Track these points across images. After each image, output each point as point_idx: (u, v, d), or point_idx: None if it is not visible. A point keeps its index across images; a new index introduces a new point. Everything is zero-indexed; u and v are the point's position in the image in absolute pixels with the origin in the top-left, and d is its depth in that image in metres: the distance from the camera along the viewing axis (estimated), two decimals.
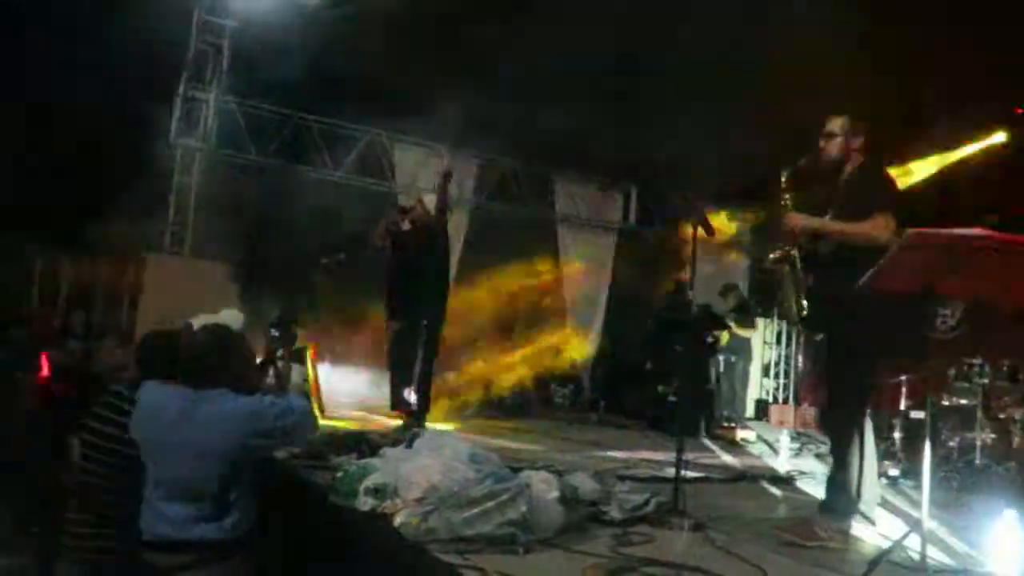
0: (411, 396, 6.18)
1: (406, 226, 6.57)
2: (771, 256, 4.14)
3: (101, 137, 9.48)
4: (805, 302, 4.00)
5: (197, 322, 3.41)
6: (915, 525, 3.28)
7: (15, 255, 11.67)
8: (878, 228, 3.73)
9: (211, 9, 9.18)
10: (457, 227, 10.53)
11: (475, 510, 3.08)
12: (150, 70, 8.89)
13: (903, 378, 6.74)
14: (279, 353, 5.25)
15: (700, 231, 4.19)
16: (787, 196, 4.10)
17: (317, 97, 9.62)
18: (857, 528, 3.85)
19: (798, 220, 4.04)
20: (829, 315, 3.96)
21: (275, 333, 5.28)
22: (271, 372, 5.11)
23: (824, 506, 3.81)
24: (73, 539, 3.47)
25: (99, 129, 9.36)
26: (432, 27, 8.22)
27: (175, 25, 8.93)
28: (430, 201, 6.53)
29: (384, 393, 7.05)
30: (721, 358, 9.37)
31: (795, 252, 4.04)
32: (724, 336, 9.34)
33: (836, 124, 4.04)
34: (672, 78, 7.97)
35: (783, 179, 4.12)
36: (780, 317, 4.07)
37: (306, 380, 6.82)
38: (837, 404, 3.91)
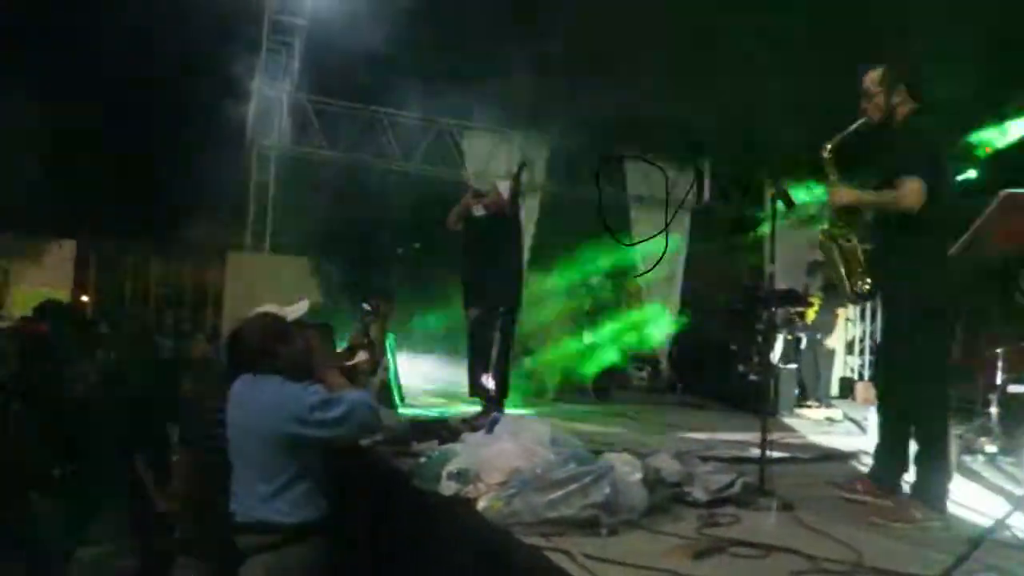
0: (489, 382, 6.20)
1: (480, 211, 6.57)
2: (821, 234, 3.95)
3: (180, 141, 9.84)
4: (858, 276, 3.80)
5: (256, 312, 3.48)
6: (1018, 502, 3.14)
7: (109, 258, 12.24)
8: (904, 195, 3.52)
9: (281, 9, 9.36)
10: (528, 212, 10.55)
11: (558, 493, 3.07)
12: (225, 72, 9.15)
13: (999, 350, 6.44)
14: (370, 329, 5.33)
15: (779, 205, 4.07)
16: (831, 170, 3.85)
17: (386, 89, 9.74)
18: (952, 507, 3.71)
19: (840, 195, 3.82)
20: (894, 283, 3.76)
21: (367, 308, 5.37)
22: (360, 355, 5.20)
23: (917, 486, 3.64)
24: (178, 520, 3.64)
25: (178, 133, 9.72)
26: (497, 11, 8.20)
27: (246, 27, 9.15)
28: (504, 187, 6.53)
29: (462, 379, 7.11)
30: (805, 336, 9.11)
31: (841, 227, 3.85)
32: (809, 314, 9.07)
33: (870, 79, 3.76)
34: (748, 50, 7.76)
35: (826, 153, 3.85)
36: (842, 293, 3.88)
37: (386, 369, 6.94)
38: (921, 378, 3.66)
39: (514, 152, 10.78)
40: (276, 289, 9.29)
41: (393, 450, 4.39)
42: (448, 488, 3.44)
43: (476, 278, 6.47)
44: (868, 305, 11.63)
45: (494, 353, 6.05)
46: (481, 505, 3.20)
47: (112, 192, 10.33)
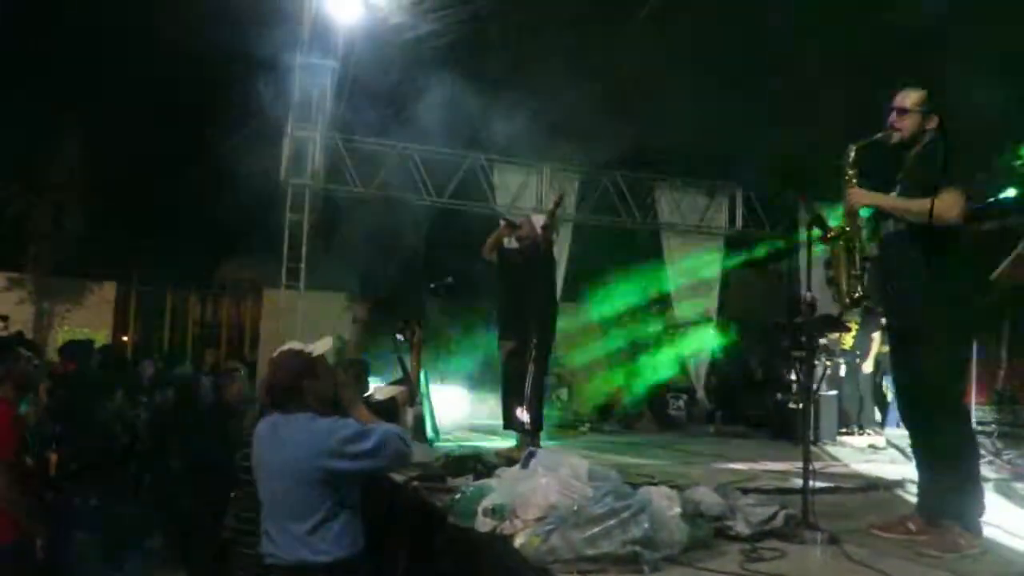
0: (524, 415, 6.17)
1: (513, 244, 6.60)
2: (834, 230, 3.83)
3: (217, 183, 10.05)
4: (859, 285, 3.71)
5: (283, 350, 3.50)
6: None
7: (148, 298, 12.47)
8: (944, 205, 3.43)
9: (312, 52, 9.54)
10: (561, 243, 10.57)
11: (596, 529, 3.02)
12: (259, 115, 9.35)
13: None
14: (407, 358, 5.34)
15: (815, 231, 4.01)
16: (851, 172, 3.79)
17: (415, 126, 9.85)
18: (1002, 535, 3.59)
19: (860, 196, 3.75)
20: (906, 305, 3.69)
21: (400, 339, 5.38)
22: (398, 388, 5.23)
23: (955, 512, 3.50)
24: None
25: (214, 175, 9.93)
26: (522, 46, 8.29)
27: (279, 70, 9.34)
28: (538, 220, 6.56)
29: (497, 413, 7.09)
30: (843, 361, 8.96)
31: (852, 230, 3.76)
32: (847, 339, 8.93)
33: (911, 100, 3.72)
34: (778, 77, 7.75)
35: (850, 154, 3.79)
36: (834, 299, 3.77)
37: (420, 403, 6.94)
38: (947, 400, 3.57)
39: (544, 184, 10.83)
40: (312, 326, 9.41)
41: (428, 485, 4.36)
42: (484, 524, 3.41)
43: (510, 311, 6.47)
44: None
45: (528, 386, 6.03)
46: (518, 542, 3.15)
47: (151, 234, 10.56)
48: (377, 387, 5.29)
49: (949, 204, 3.47)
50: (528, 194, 10.81)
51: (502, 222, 6.72)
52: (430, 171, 10.48)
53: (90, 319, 11.97)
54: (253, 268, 11.14)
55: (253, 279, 11.24)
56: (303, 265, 9.99)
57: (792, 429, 7.92)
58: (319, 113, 9.89)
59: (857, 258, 3.74)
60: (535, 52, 8.34)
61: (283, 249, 10.04)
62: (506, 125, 9.20)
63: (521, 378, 6.12)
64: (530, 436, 6.03)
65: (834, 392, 8.67)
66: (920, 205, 3.56)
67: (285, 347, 3.37)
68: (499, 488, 3.59)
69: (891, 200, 3.75)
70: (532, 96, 8.41)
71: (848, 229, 3.79)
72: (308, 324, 9.50)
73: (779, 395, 8.90)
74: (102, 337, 11.53)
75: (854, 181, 3.80)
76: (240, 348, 12.24)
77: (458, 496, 3.77)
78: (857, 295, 3.73)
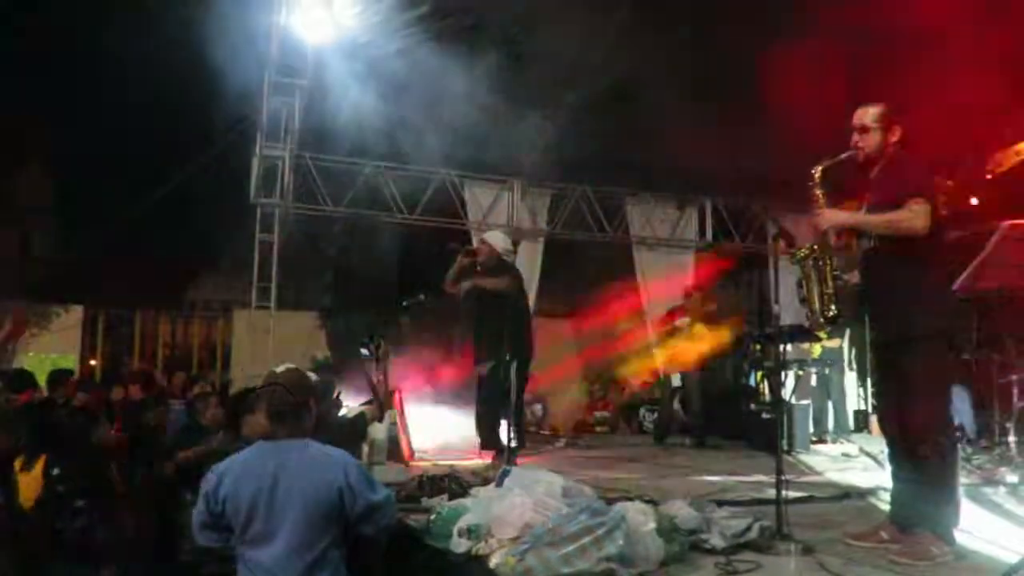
0: (503, 434, 6.17)
1: (477, 268, 6.62)
2: (799, 253, 3.89)
3: (184, 205, 9.98)
4: (832, 304, 3.77)
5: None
6: None
7: (116, 321, 12.30)
8: (910, 216, 3.50)
9: (281, 71, 9.50)
10: (532, 258, 10.59)
11: (571, 546, 3.03)
12: (226, 135, 9.30)
13: (1014, 377, 6.38)
14: (375, 377, 5.27)
15: (781, 243, 4.07)
16: (819, 192, 3.84)
17: (386, 144, 9.83)
18: (973, 541, 3.64)
19: (827, 216, 3.81)
20: (890, 314, 3.74)
21: (366, 353, 5.29)
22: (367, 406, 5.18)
23: (930, 520, 3.54)
24: None
25: (182, 196, 9.85)
26: (491, 60, 8.31)
27: (246, 90, 9.30)
28: (493, 237, 6.59)
29: (471, 432, 7.07)
30: (814, 371, 9.05)
31: (822, 249, 3.82)
32: (816, 349, 9.02)
33: (869, 116, 3.78)
34: (743, 89, 7.83)
35: (816, 174, 3.84)
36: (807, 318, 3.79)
37: (394, 422, 6.89)
38: (930, 408, 3.61)
39: (516, 199, 10.86)
40: (284, 345, 9.33)
41: (403, 506, 4.33)
42: (460, 545, 3.40)
43: (484, 333, 6.48)
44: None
45: (506, 406, 6.03)
46: (494, 562, 3.15)
47: (118, 256, 10.43)
48: (348, 407, 5.26)
49: (914, 215, 3.52)
50: (500, 209, 10.81)
51: (457, 253, 6.71)
52: (401, 188, 10.46)
53: (56, 344, 11.77)
54: (224, 289, 11.02)
55: (224, 300, 11.11)
56: (274, 285, 9.91)
57: (766, 439, 7.97)
58: (288, 132, 9.84)
59: (829, 277, 3.79)
60: (506, 67, 8.38)
61: (254, 269, 9.96)
62: (476, 140, 9.22)
63: (497, 398, 6.11)
64: (509, 455, 6.02)
65: (807, 402, 8.75)
66: (886, 220, 3.62)
67: (284, 367, 3.30)
68: (474, 508, 3.58)
69: (858, 217, 3.81)
70: (502, 111, 8.43)
71: (817, 248, 3.84)
72: (280, 343, 9.42)
73: (752, 405, 8.96)
74: (70, 362, 11.33)
75: (822, 201, 3.86)
76: (210, 370, 12.08)
77: (433, 517, 3.75)
78: (831, 314, 3.77)
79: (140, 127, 9.30)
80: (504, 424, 6.12)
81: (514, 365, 6.18)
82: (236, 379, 9.51)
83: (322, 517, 2.97)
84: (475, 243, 7.70)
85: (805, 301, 3.86)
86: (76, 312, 12.06)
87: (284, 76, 9.49)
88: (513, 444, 6.12)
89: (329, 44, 8.67)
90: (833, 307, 3.76)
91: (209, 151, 9.56)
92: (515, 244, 6.78)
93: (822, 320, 3.82)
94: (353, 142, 9.74)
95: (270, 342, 9.48)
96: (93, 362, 12.65)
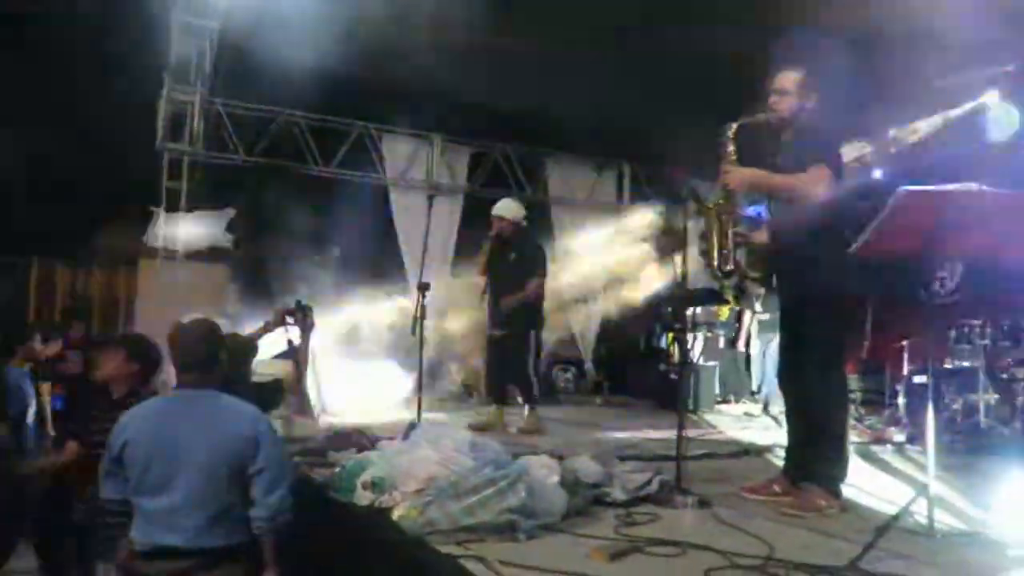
0: (524, 392, 6.69)
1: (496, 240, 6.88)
2: (707, 202, 3.97)
3: (89, 149, 9.45)
4: (730, 258, 3.87)
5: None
6: (922, 490, 3.25)
7: (12, 270, 11.66)
8: (810, 181, 3.61)
9: (190, 11, 9.05)
10: (451, 215, 10.51)
11: (474, 498, 3.04)
12: (131, 76, 8.83)
13: (904, 342, 6.71)
14: (297, 342, 5.19)
15: (693, 206, 4.12)
16: (731, 149, 3.90)
17: (304, 93, 9.52)
18: (860, 495, 3.82)
19: (735, 174, 3.88)
20: (793, 275, 3.86)
21: (291, 321, 5.17)
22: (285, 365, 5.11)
23: (819, 475, 3.70)
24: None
25: (87, 141, 9.32)
26: (414, 15, 8.11)
27: (154, 31, 8.83)
28: (506, 210, 6.85)
29: (384, 390, 7.13)
30: (722, 333, 9.32)
31: (727, 206, 3.90)
32: (724, 311, 9.28)
33: (789, 81, 3.86)
34: (662, 52, 7.85)
35: (730, 132, 3.90)
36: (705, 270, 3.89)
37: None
38: (826, 367, 3.75)
39: (435, 155, 10.72)
40: (191, 297, 9.01)
41: (308, 460, 4.28)
42: (364, 498, 3.38)
43: (496, 302, 6.79)
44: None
45: (527, 364, 6.60)
46: (397, 514, 3.14)
47: (10, 201, 9.84)
48: (260, 361, 5.13)
49: (813, 180, 3.62)
50: (418, 166, 10.67)
51: (485, 241, 7.01)
52: (317, 139, 10.19)
53: None
54: (129, 238, 10.55)
55: (128, 249, 10.65)
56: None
57: (674, 399, 8.17)
58: (198, 76, 9.42)
59: (729, 233, 3.87)
60: (427, 22, 8.18)
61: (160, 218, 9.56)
62: (395, 94, 9.02)
63: (511, 360, 6.63)
64: (534, 401, 6.60)
65: (714, 363, 9.01)
66: (788, 183, 3.71)
67: (193, 316, 3.23)
68: (379, 462, 3.56)
69: (763, 178, 3.89)
70: (423, 65, 8.25)
71: (722, 203, 3.90)
72: (188, 295, 9.10)
73: (662, 366, 9.18)
74: None
75: (733, 159, 3.92)
76: (114, 323, 11.61)
77: (338, 470, 3.72)
78: (728, 268, 3.86)
79: (38, 59, 8.72)
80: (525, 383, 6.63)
81: (526, 332, 6.62)
82: (141, 330, 9.16)
83: (226, 467, 2.92)
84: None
85: (705, 253, 3.93)
86: None
87: (193, 16, 9.03)
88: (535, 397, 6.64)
89: None
90: (730, 263, 3.85)
91: (114, 91, 9.04)
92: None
93: (720, 274, 3.90)
94: (268, 89, 9.39)
95: (176, 293, 9.14)
96: None
